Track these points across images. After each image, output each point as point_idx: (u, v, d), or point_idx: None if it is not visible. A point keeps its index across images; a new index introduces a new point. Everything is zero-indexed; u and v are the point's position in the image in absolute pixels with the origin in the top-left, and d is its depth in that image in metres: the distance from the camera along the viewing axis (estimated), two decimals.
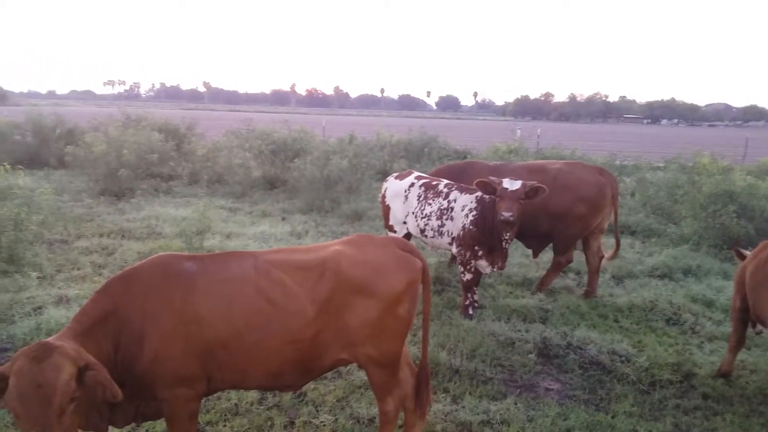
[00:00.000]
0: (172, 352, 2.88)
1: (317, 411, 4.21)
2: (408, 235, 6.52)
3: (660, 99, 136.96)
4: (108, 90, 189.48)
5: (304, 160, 12.43)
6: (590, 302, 6.54)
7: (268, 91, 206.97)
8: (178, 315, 2.91)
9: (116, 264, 7.27)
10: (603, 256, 6.87)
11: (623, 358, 5.14)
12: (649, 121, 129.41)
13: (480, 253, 5.83)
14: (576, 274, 7.74)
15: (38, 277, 6.45)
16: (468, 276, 5.96)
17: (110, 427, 2.98)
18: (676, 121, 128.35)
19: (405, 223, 6.47)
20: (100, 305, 2.85)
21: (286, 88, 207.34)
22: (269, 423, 4.04)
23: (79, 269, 7.00)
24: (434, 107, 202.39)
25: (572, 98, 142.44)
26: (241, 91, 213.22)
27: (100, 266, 7.19)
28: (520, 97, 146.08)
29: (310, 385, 4.46)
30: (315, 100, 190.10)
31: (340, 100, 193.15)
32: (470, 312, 6.01)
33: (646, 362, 5.02)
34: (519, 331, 5.68)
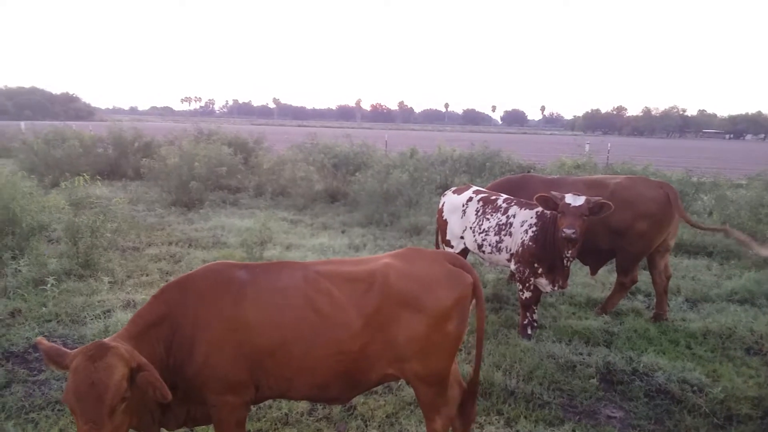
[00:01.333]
0: (221, 358, 2.93)
1: (366, 426, 4.16)
2: (465, 251, 6.39)
3: (744, 113, 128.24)
4: (185, 106, 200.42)
5: (365, 173, 12.55)
6: (660, 326, 6.14)
7: (334, 107, 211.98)
8: (227, 322, 2.96)
9: (182, 271, 7.57)
10: (670, 276, 6.44)
11: (695, 388, 4.76)
12: (732, 136, 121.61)
13: (540, 270, 5.61)
14: (645, 296, 7.30)
15: (110, 282, 6.81)
16: (527, 294, 5.75)
17: (162, 430, 3.05)
18: (762, 136, 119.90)
19: (462, 238, 6.35)
20: (155, 309, 2.94)
21: (352, 103, 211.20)
22: None
23: (147, 275, 7.34)
24: (499, 122, 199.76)
25: (646, 112, 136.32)
26: (309, 106, 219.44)
27: (167, 273, 7.50)
28: (590, 111, 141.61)
29: (360, 398, 4.42)
30: (379, 115, 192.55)
31: (404, 115, 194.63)
32: (529, 332, 5.78)
33: (722, 394, 4.62)
34: (581, 354, 5.40)
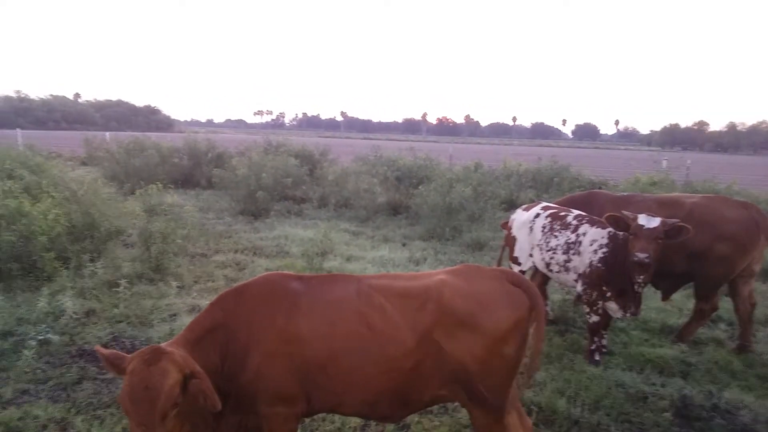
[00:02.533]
0: (273, 369, 2.91)
1: None
2: (538, 272, 6.19)
3: None
4: (257, 119, 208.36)
5: (428, 187, 12.46)
6: (745, 359, 5.62)
7: (400, 120, 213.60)
8: (280, 333, 2.94)
9: (245, 279, 7.74)
10: (755, 304, 5.89)
11: None
12: None
13: (609, 294, 5.28)
14: (728, 325, 6.73)
15: (178, 287, 7.06)
16: (594, 318, 5.42)
17: None
18: None
19: (531, 256, 6.13)
20: (211, 316, 2.97)
21: (418, 116, 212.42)
22: None
23: (213, 281, 7.56)
24: (570, 136, 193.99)
25: (731, 127, 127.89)
26: (375, 119, 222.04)
27: (231, 280, 7.70)
28: (668, 126, 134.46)
29: (414, 417, 4.29)
30: (445, 129, 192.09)
31: (470, 129, 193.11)
32: (596, 358, 5.45)
33: None
34: (653, 384, 5.02)
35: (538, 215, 6.06)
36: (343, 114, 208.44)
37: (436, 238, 10.99)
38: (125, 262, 7.62)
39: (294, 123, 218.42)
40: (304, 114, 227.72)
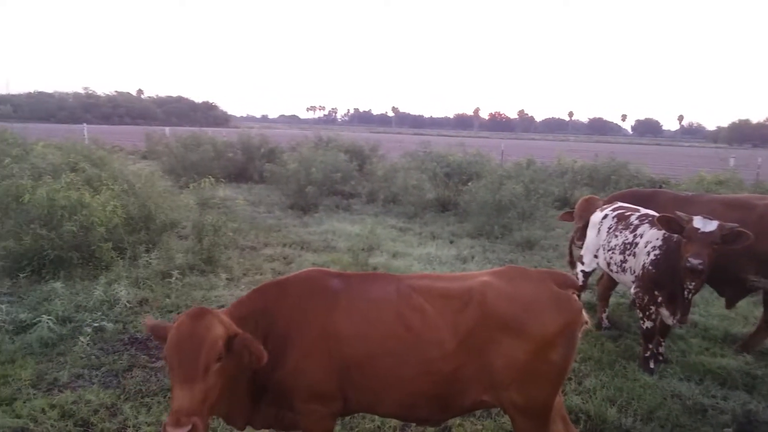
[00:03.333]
0: (310, 365, 2.89)
1: None
2: (605, 275, 6.05)
3: None
4: (310, 115, 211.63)
5: (478, 183, 12.23)
6: None
7: (451, 116, 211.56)
8: (318, 330, 2.92)
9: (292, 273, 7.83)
10: None
11: None
12: None
13: (660, 299, 4.99)
14: None
15: (227, 279, 7.22)
16: (647, 324, 5.14)
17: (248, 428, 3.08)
18: None
19: (596, 257, 5.96)
20: (254, 302, 2.98)
21: (470, 112, 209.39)
22: None
23: (261, 274, 7.68)
24: (630, 132, 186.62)
25: None
26: (426, 115, 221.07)
27: (278, 273, 7.80)
28: (737, 122, 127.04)
29: (456, 420, 4.19)
30: (498, 124, 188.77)
31: (524, 124, 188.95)
32: (651, 366, 5.17)
33: None
34: (714, 397, 4.71)
35: (606, 216, 5.88)
36: (394, 109, 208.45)
37: (485, 236, 10.78)
38: (178, 253, 7.84)
39: (346, 118, 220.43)
40: (356, 109, 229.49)
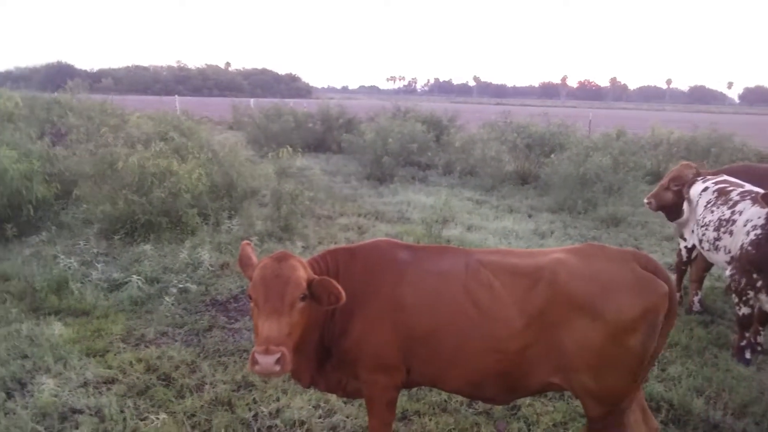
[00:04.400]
0: (375, 336, 2.88)
1: (529, 430, 3.81)
2: (700, 254, 5.66)
3: None
4: (390, 85, 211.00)
5: (561, 155, 11.68)
6: None
7: (536, 84, 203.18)
8: (385, 301, 2.89)
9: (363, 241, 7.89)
10: None
11: None
12: None
13: (759, 284, 4.51)
14: None
15: (302, 247, 7.39)
16: (744, 310, 4.69)
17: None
18: None
19: (693, 232, 5.56)
20: (325, 264, 3.00)
21: (556, 80, 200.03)
22: (475, 429, 3.81)
23: (335, 243, 7.79)
24: (737, 101, 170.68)
25: None
26: (509, 84, 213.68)
27: (352, 243, 7.88)
28: None
29: (526, 399, 4.06)
30: (587, 93, 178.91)
31: (616, 93, 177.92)
32: (747, 356, 4.73)
33: None
34: None
35: (706, 189, 5.44)
36: (475, 79, 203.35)
37: (567, 211, 10.30)
38: (258, 220, 8.13)
39: (425, 89, 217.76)
40: (436, 79, 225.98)
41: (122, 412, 3.70)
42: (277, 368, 2.39)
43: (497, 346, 2.75)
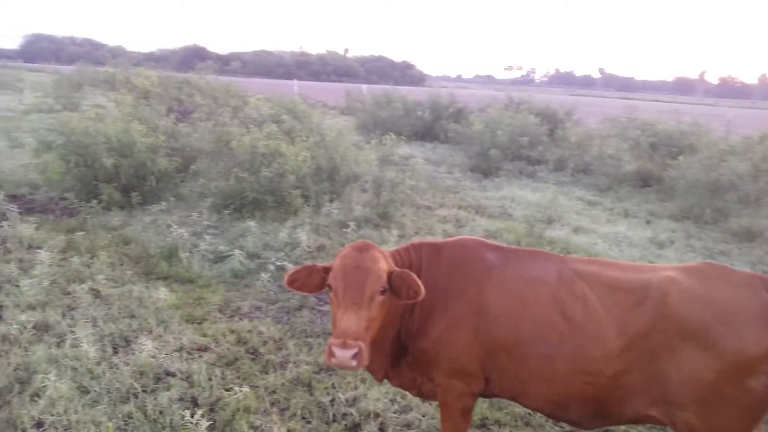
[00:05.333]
0: (454, 339, 2.74)
1: None
2: None
3: None
4: (506, 75, 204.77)
5: (690, 158, 10.58)
6: None
7: (670, 78, 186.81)
8: (468, 303, 2.74)
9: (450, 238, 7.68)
10: None
11: None
12: None
13: None
14: None
15: (398, 235, 7.33)
16: None
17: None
18: None
19: None
20: (408, 257, 2.90)
21: (694, 75, 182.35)
22: None
23: (432, 235, 7.67)
24: None
25: None
26: (638, 77, 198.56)
27: (449, 236, 7.71)
28: None
29: (620, 427, 3.69)
30: (729, 90, 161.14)
31: (764, 91, 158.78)
32: None
33: None
34: None
35: None
36: (600, 71, 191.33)
37: (692, 220, 9.32)
38: (357, 205, 8.21)
39: (544, 79, 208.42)
40: (557, 70, 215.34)
41: (210, 380, 3.89)
42: (354, 363, 2.33)
43: (587, 367, 2.49)
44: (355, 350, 2.32)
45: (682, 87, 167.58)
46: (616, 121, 14.43)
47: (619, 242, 7.86)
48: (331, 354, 2.34)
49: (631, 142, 12.58)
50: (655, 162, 12.42)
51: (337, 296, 2.49)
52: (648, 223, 9.21)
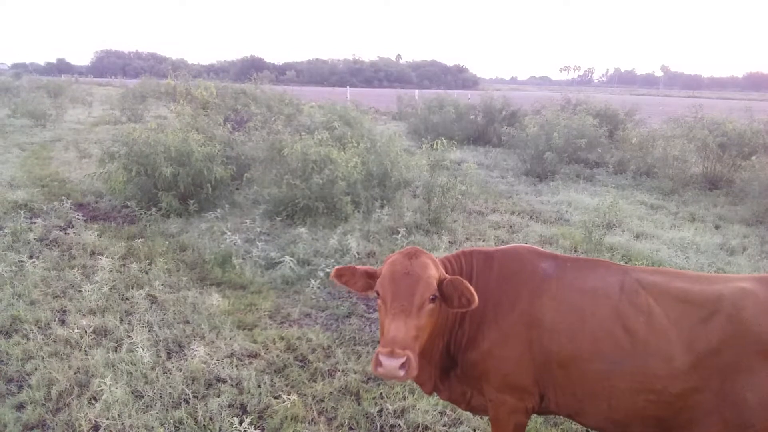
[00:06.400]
0: (507, 352, 2.60)
1: None
2: None
3: None
4: (563, 76, 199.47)
5: (764, 158, 9.88)
6: None
7: (740, 74, 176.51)
8: (521, 315, 2.60)
9: (517, 243, 7.44)
10: None
11: None
12: None
13: None
14: None
15: (449, 242, 7.21)
16: None
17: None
18: None
19: None
20: (461, 264, 2.79)
21: (767, 70, 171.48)
22: None
23: (483, 241, 7.48)
24: None
25: None
26: (705, 74, 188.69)
27: (502, 242, 7.50)
28: None
29: None
30: None
31: None
32: None
33: None
34: None
35: None
36: (663, 68, 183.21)
37: (766, 225, 8.68)
38: (408, 211, 8.13)
39: (603, 79, 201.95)
40: (616, 69, 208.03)
41: (259, 386, 3.89)
42: (401, 373, 2.24)
43: (651, 385, 2.30)
44: (402, 359, 2.23)
45: (755, 83, 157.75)
46: (681, 121, 13.70)
47: (685, 249, 7.40)
48: (378, 363, 2.26)
49: (697, 143, 11.88)
50: (725, 163, 11.71)
51: (385, 303, 2.42)
52: (717, 228, 8.64)
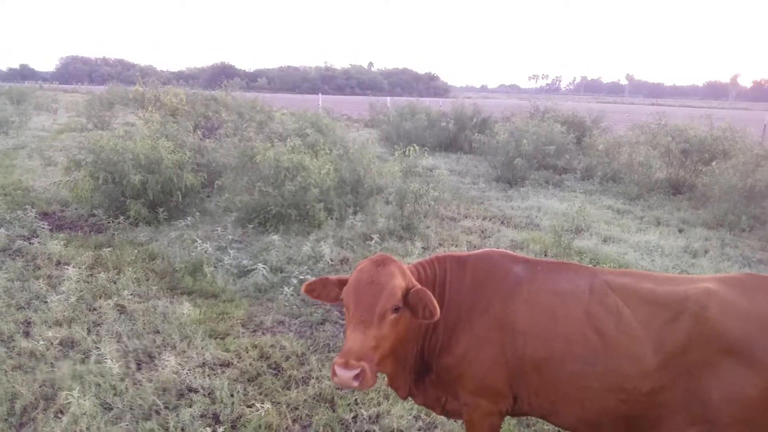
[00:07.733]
0: (481, 356, 2.63)
1: None
2: None
3: None
4: (532, 84, 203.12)
5: (724, 164, 10.24)
6: None
7: (700, 83, 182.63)
8: (494, 319, 2.63)
9: (489, 248, 7.54)
10: None
11: None
12: None
13: None
14: None
15: (422, 247, 7.24)
16: None
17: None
18: None
19: None
20: (434, 269, 2.80)
21: (725, 79, 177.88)
22: None
23: (456, 246, 7.55)
24: None
25: None
26: (668, 83, 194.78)
27: (474, 247, 7.58)
28: None
29: None
30: (764, 94, 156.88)
31: None
32: None
33: None
34: None
35: None
36: (628, 77, 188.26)
37: (727, 228, 8.99)
38: (381, 218, 8.15)
39: (571, 87, 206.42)
40: (583, 78, 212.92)
41: (232, 396, 3.84)
42: (356, 384, 2.25)
43: (622, 384, 2.36)
44: (356, 371, 2.24)
45: (714, 91, 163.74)
46: (645, 128, 14.12)
47: (651, 251, 7.61)
48: (334, 373, 2.27)
49: (661, 149, 12.25)
50: (687, 169, 12.11)
51: (348, 311, 2.43)
52: (681, 231, 8.92)
